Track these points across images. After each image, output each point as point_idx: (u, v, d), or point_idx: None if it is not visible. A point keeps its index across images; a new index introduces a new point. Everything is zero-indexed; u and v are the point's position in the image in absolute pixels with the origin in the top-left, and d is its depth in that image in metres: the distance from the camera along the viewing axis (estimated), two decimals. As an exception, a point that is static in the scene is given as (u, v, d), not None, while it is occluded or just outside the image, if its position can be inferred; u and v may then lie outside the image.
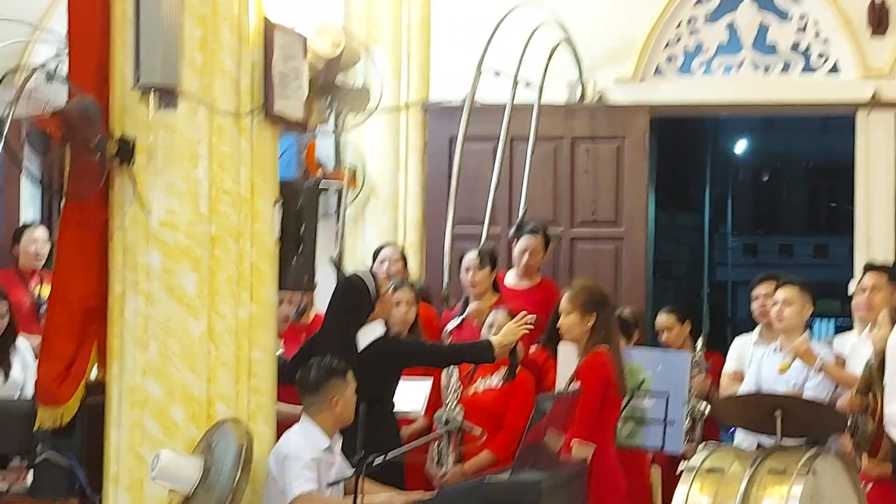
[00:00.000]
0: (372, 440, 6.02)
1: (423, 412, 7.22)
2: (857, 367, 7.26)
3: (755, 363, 7.74)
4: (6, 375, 7.26)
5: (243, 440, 5.83)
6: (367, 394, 6.26)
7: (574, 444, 6.35)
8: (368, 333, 6.56)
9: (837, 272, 7.86)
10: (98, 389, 6.30)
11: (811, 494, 6.06)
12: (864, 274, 7.58)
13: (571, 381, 6.50)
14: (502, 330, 6.94)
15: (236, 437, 5.84)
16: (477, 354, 6.88)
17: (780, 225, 36.83)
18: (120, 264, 6.17)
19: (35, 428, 6.25)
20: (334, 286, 6.87)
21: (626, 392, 6.68)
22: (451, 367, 7.27)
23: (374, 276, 6.76)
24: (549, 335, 7.75)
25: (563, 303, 6.65)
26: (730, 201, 35.45)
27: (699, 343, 8.19)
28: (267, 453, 6.17)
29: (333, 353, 6.37)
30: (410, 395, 7.00)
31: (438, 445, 7.12)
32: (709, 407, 7.76)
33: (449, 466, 7.06)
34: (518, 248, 8.49)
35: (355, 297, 6.62)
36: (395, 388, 6.70)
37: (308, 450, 5.96)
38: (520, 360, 7.28)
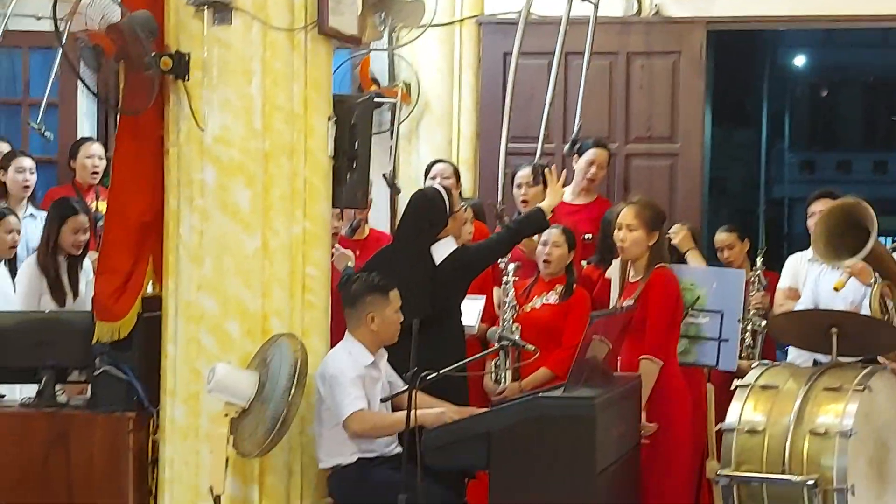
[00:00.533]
0: (438, 355, 6.05)
1: (476, 329, 7.23)
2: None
3: (812, 281, 7.68)
4: (75, 293, 7.31)
5: (298, 355, 5.87)
6: (442, 307, 6.29)
7: (642, 362, 6.36)
8: (441, 248, 6.56)
9: (896, 189, 7.74)
10: (154, 304, 6.36)
11: (866, 412, 6.04)
12: None
13: (636, 298, 6.47)
14: (548, 192, 6.96)
15: (291, 352, 5.88)
16: (534, 225, 6.90)
17: (839, 141, 36.42)
18: (175, 180, 6.20)
19: (93, 342, 6.32)
20: (409, 200, 6.87)
21: (686, 311, 6.70)
22: (508, 284, 7.27)
23: (448, 191, 6.76)
24: (602, 252, 7.75)
25: (628, 219, 6.56)
26: (787, 117, 35.06)
27: (758, 260, 8.15)
28: (321, 368, 6.22)
29: (408, 267, 6.40)
30: (465, 311, 7.00)
31: (495, 362, 7.14)
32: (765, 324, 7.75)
33: (506, 383, 7.09)
34: (583, 161, 8.45)
35: (432, 210, 6.62)
36: (462, 301, 6.73)
37: (352, 367, 5.99)
38: (575, 278, 7.26)
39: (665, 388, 6.40)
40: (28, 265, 7.41)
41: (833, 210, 6.60)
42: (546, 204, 6.89)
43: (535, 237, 7.28)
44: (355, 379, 5.95)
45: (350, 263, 7.00)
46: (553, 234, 7.20)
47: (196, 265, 6.14)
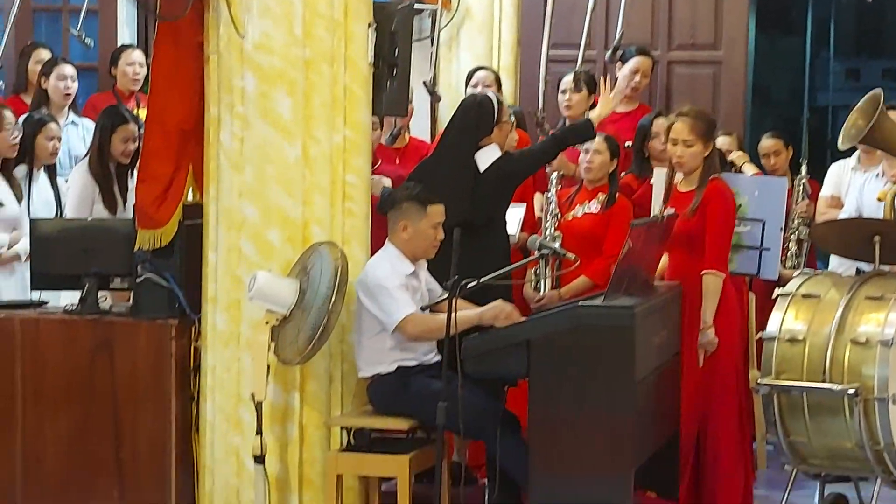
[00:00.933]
0: (483, 263, 6.04)
1: (517, 238, 7.22)
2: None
3: (856, 189, 7.63)
4: (125, 201, 7.34)
5: (338, 262, 5.88)
6: (486, 216, 6.29)
7: (706, 277, 6.32)
8: (485, 156, 6.53)
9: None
10: (196, 212, 6.37)
11: (908, 321, 6.02)
12: None
13: (693, 209, 6.41)
14: (599, 102, 6.91)
15: (331, 260, 5.89)
16: (580, 134, 6.86)
17: (885, 48, 35.91)
18: (215, 87, 6.18)
19: (135, 249, 6.35)
20: (459, 105, 6.84)
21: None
22: (551, 193, 7.24)
23: (498, 99, 6.71)
24: (639, 162, 7.70)
25: (684, 134, 6.42)
26: (832, 24, 34.62)
27: (803, 169, 8.08)
28: (362, 276, 6.24)
29: (451, 172, 6.38)
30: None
31: (535, 270, 7.14)
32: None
33: (545, 291, 7.09)
34: (627, 69, 8.38)
35: (480, 114, 6.58)
36: (507, 209, 6.71)
37: (394, 275, 6.00)
38: (618, 186, 7.22)
39: (722, 300, 6.37)
40: (79, 173, 7.44)
41: None
42: (595, 114, 6.84)
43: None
44: (400, 286, 5.96)
45: (387, 185, 6.97)
46: (595, 141, 7.16)
47: (237, 172, 6.14)
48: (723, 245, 6.38)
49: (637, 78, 8.35)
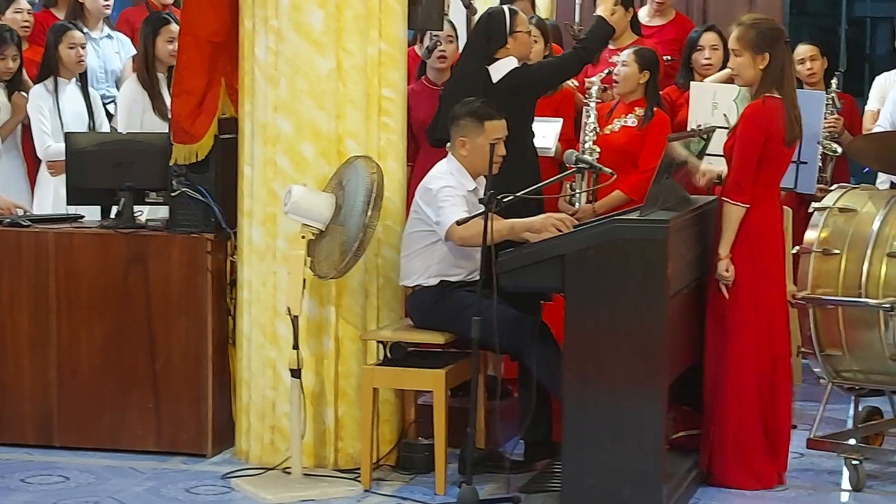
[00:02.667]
0: (511, 177, 6.03)
1: (554, 151, 7.18)
2: None
3: (891, 102, 7.55)
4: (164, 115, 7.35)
5: (374, 177, 5.87)
6: (507, 130, 6.25)
7: (723, 203, 5.91)
8: (501, 67, 6.48)
9: None
10: (230, 126, 6.37)
11: (946, 235, 5.99)
12: None
13: (734, 126, 6.07)
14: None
15: (367, 174, 5.88)
16: (598, 36, 6.68)
17: (925, -43, 35.39)
18: (249, 0, 6.15)
19: (170, 164, 6.36)
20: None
21: (794, 140, 6.01)
22: (590, 107, 7.18)
23: (513, 12, 6.63)
24: (684, 72, 7.63)
25: (732, 43, 6.01)
26: (872, -66, 34.13)
27: (833, 82, 7.99)
28: (397, 190, 6.23)
29: (466, 82, 6.35)
30: (541, 134, 6.95)
31: (570, 185, 7.11)
32: (839, 148, 7.61)
33: (580, 205, 7.07)
34: None
35: (489, 25, 6.52)
36: (531, 123, 6.65)
37: (455, 187, 5.98)
38: (659, 101, 7.15)
39: (759, 230, 5.92)
40: (129, 86, 7.48)
41: None
42: (601, 9, 6.71)
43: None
44: (458, 197, 5.94)
45: None
46: (623, 53, 7.10)
47: (271, 86, 6.12)
48: (742, 173, 5.86)
49: None
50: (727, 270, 5.86)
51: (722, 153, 6.26)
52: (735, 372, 5.90)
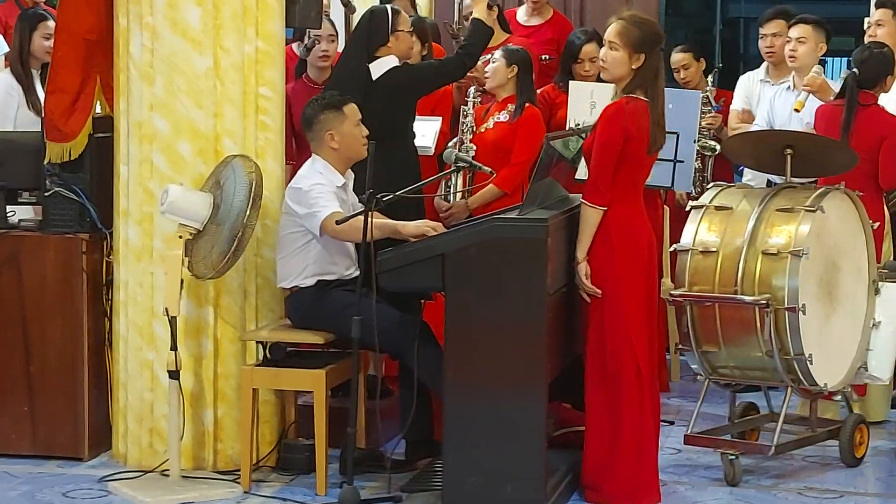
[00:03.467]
0: (391, 176, 6.03)
1: (433, 150, 7.20)
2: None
3: (766, 102, 7.66)
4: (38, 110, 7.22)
5: (253, 176, 5.82)
6: (385, 128, 6.24)
7: (582, 206, 5.75)
8: (381, 66, 6.48)
9: (853, 8, 7.68)
10: (105, 125, 6.29)
11: (818, 233, 6.09)
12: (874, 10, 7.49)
13: (594, 125, 5.85)
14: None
15: (245, 173, 5.83)
16: (478, 37, 6.73)
17: (796, -40, 36.05)
18: (124, -3, 6.09)
19: (44, 163, 6.25)
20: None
21: (657, 148, 5.83)
22: (468, 106, 7.22)
23: (396, 11, 6.63)
24: (563, 75, 7.67)
25: (611, 35, 5.75)
26: (745, -65, 34.66)
27: (709, 80, 8.09)
28: (276, 189, 6.19)
29: (346, 80, 6.33)
30: (420, 133, 6.96)
31: (446, 183, 7.13)
32: (717, 146, 7.71)
33: (454, 201, 7.09)
34: None
35: (371, 23, 6.53)
36: (412, 122, 6.66)
37: (327, 183, 5.96)
38: (531, 97, 7.20)
39: (618, 231, 5.72)
40: (2, 80, 7.34)
41: None
42: (477, 11, 6.76)
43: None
44: (330, 192, 5.92)
45: None
46: (495, 53, 7.14)
47: (147, 84, 6.05)
48: (600, 174, 5.65)
49: None
50: (586, 276, 5.69)
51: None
52: (614, 371, 5.80)
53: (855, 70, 6.84)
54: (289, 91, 7.02)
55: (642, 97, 5.70)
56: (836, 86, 7.22)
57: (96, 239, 6.29)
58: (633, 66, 5.69)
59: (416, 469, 6.03)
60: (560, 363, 5.83)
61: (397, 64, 6.52)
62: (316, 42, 7.34)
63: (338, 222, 5.80)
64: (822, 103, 7.04)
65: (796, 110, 7.13)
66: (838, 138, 6.70)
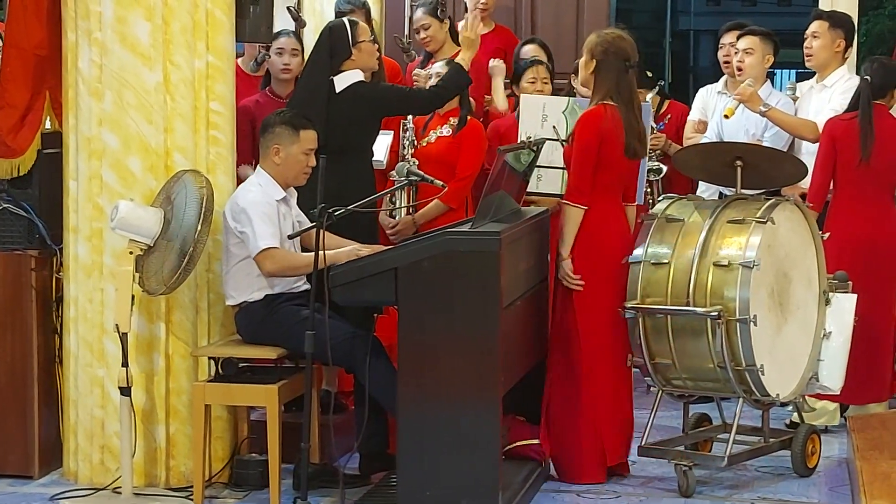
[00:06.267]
0: (344, 190, 6.02)
1: (385, 164, 7.19)
2: (807, 114, 7.32)
3: (717, 114, 7.72)
4: None
5: (204, 191, 5.80)
6: (346, 142, 6.23)
7: (563, 207, 6.13)
8: (346, 78, 6.46)
9: (801, 21, 7.76)
10: (54, 141, 6.24)
11: (769, 244, 6.12)
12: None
13: (571, 133, 6.27)
14: (461, 43, 6.86)
15: (196, 188, 5.81)
16: (455, 86, 6.76)
17: (743, -27, 36.39)
18: (72, 12, 6.05)
19: (-9, 178, 6.22)
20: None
21: (634, 153, 6.20)
22: (408, 120, 7.20)
23: (353, 23, 6.62)
24: (512, 85, 7.68)
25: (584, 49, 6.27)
26: (693, -51, 34.95)
27: (649, 96, 7.93)
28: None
29: (310, 92, 6.32)
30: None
31: (391, 199, 7.11)
32: (664, 167, 7.75)
33: (400, 217, 7.08)
34: None
35: (332, 39, 6.50)
36: (372, 141, 6.64)
37: (263, 200, 5.93)
38: (471, 109, 7.21)
39: (598, 233, 6.15)
40: None
41: None
42: (461, 57, 6.78)
43: None
44: (267, 214, 5.88)
45: None
46: (437, 64, 7.13)
47: (96, 100, 6.02)
48: (579, 176, 6.07)
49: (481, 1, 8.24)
50: (570, 270, 6.08)
51: (551, 165, 6.32)
52: (587, 373, 6.10)
53: (867, 77, 6.91)
54: (251, 104, 7.01)
55: (611, 102, 6.11)
56: (777, 97, 7.33)
57: (46, 255, 6.25)
58: (589, 71, 6.17)
59: (371, 484, 6.02)
60: (514, 376, 5.83)
61: (362, 79, 6.51)
62: (267, 57, 7.32)
63: (290, 237, 5.79)
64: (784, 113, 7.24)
65: (726, 116, 7.24)
66: (857, 150, 6.81)
